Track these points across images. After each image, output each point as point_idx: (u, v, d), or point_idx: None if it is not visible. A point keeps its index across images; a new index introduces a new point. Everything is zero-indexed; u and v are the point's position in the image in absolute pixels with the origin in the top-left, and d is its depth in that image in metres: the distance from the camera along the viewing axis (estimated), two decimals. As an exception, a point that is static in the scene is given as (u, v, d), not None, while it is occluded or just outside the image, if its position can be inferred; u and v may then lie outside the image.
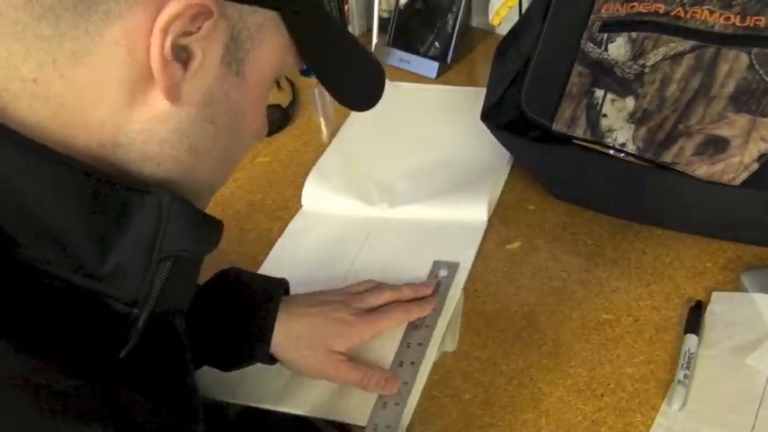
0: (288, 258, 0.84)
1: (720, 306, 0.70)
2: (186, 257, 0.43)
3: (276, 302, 0.66)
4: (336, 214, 0.88)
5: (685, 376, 0.64)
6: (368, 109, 0.55)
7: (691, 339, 0.67)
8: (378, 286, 0.73)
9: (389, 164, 0.94)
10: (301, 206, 0.91)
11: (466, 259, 0.79)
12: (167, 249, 0.41)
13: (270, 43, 0.44)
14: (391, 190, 0.89)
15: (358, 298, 0.71)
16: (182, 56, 0.40)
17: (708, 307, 0.70)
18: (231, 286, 0.68)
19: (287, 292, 0.71)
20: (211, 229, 0.45)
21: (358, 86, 0.54)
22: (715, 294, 0.71)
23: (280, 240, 0.86)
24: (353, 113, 1.02)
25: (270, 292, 0.67)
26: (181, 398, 0.47)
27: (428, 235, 0.83)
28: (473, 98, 1.03)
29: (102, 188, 0.39)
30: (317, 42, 0.48)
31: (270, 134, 1.04)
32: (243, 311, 0.66)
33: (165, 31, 0.38)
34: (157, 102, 0.40)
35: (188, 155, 0.43)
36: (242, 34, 0.42)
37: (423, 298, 0.73)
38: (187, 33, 0.39)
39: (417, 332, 0.71)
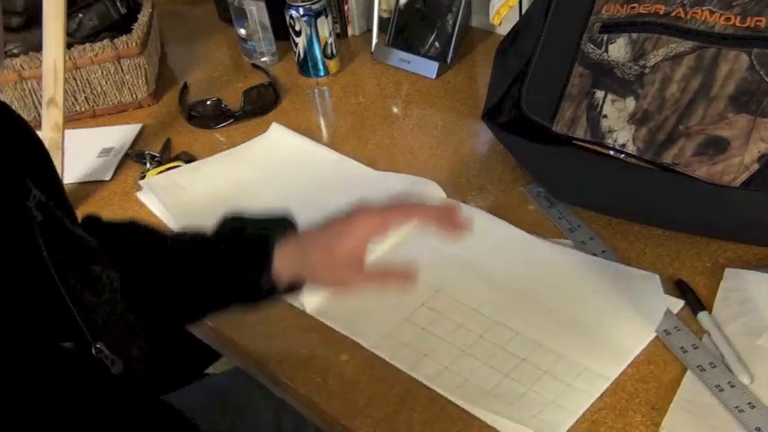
0: None
1: (734, 282, 0.71)
2: None
3: (271, 237, 0.66)
4: None
5: (734, 350, 0.65)
6: None
7: (707, 317, 0.68)
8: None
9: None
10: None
11: None
12: None
13: None
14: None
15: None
16: None
17: (721, 283, 0.72)
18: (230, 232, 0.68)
19: (294, 227, 0.69)
20: None
21: None
22: (728, 270, 0.72)
23: None
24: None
25: (267, 230, 0.67)
26: None
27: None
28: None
29: None
30: None
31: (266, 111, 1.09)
32: (240, 253, 0.66)
33: None
34: None
35: None
36: None
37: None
38: None
39: None
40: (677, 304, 0.70)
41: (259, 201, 0.88)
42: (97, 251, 0.58)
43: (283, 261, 0.65)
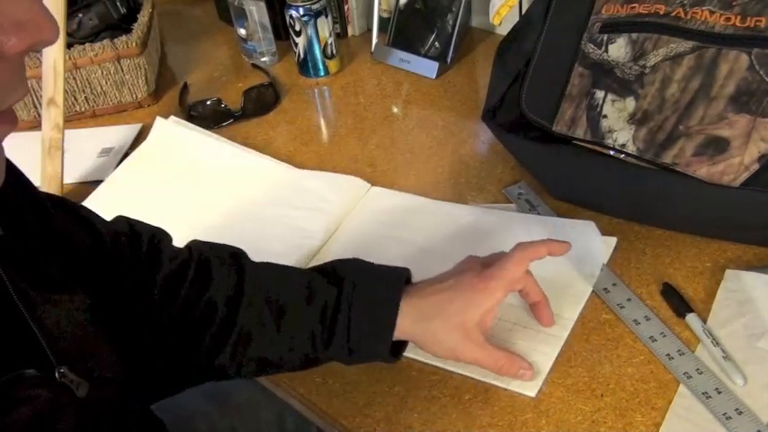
0: None
1: (734, 283, 0.71)
2: None
3: (397, 293, 0.63)
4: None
5: (723, 351, 0.65)
6: None
7: (695, 318, 0.68)
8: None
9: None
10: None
11: None
12: None
13: None
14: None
15: (485, 259, 0.68)
16: None
17: (721, 283, 0.71)
18: (346, 278, 0.65)
19: (409, 280, 0.67)
20: None
21: None
22: (728, 272, 0.72)
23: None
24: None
25: (390, 283, 0.64)
26: None
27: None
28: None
29: None
30: None
31: (266, 111, 1.09)
32: (360, 306, 0.63)
33: None
34: None
35: None
36: None
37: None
38: None
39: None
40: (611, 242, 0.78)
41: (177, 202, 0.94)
42: (61, 280, 0.54)
43: (402, 324, 0.63)
